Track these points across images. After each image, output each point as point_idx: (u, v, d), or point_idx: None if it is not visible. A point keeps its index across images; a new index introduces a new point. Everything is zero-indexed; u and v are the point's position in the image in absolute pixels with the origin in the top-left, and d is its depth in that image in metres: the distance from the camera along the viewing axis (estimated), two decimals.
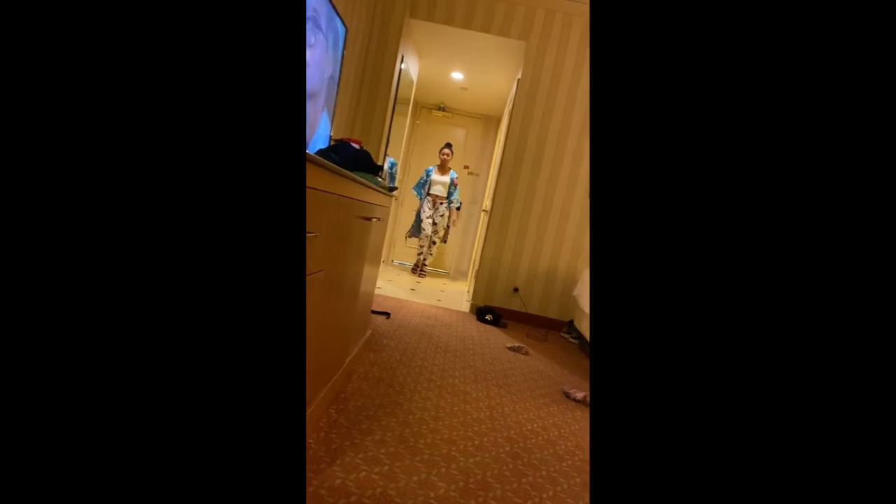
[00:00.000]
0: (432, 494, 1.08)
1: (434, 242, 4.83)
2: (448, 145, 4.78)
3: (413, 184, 5.20)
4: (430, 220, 4.75)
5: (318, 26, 1.75)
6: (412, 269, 4.93)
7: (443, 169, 4.77)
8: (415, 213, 4.90)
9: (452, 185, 4.77)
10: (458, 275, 5.56)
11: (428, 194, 4.78)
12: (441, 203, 4.76)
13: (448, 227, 4.88)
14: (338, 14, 1.95)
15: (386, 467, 1.15)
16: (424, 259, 4.83)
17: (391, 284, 3.97)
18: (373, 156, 2.55)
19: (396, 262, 5.56)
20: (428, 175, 4.80)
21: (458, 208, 4.82)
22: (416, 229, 4.81)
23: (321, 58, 1.86)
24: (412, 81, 4.14)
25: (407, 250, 5.51)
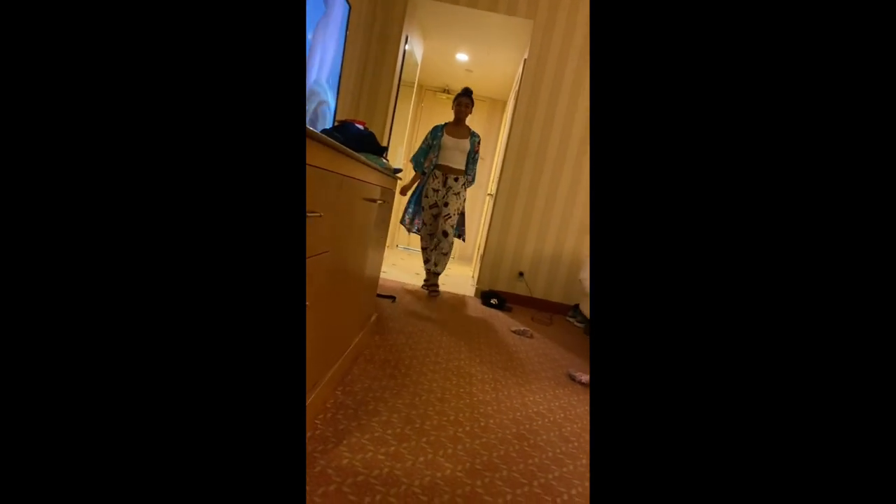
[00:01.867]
0: (439, 475, 1.08)
1: (445, 234, 3.09)
2: (466, 92, 3.07)
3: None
4: (439, 204, 3.08)
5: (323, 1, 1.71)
6: (423, 285, 3.27)
7: (459, 127, 3.07)
8: (410, 193, 3.21)
9: (474, 151, 3.09)
10: (463, 259, 5.55)
11: (436, 167, 3.07)
12: (456, 179, 3.07)
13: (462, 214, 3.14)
14: None
15: (392, 448, 1.15)
16: (436, 266, 3.17)
17: (396, 268, 3.97)
18: (378, 136, 2.53)
19: (401, 246, 5.55)
20: (435, 137, 3.07)
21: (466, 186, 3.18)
22: (415, 211, 3.15)
23: (326, 39, 1.82)
24: (416, 63, 4.08)
25: (414, 236, 5.46)
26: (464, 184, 3.11)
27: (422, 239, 3.21)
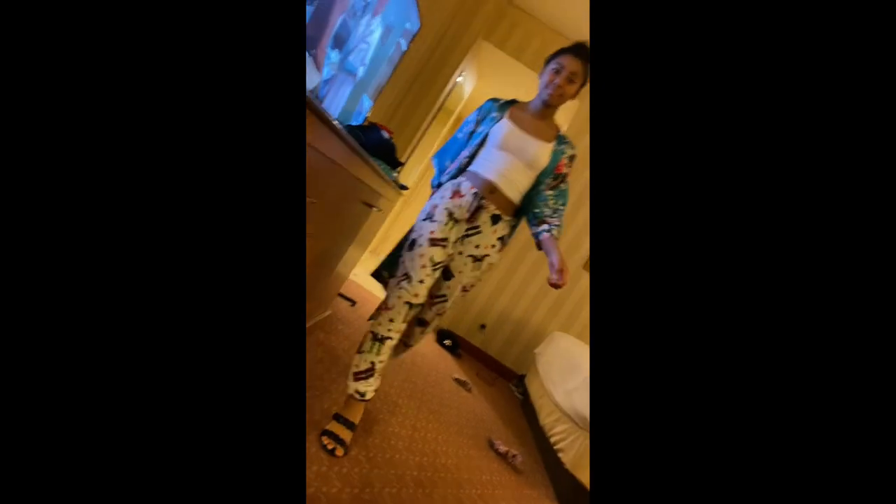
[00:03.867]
0: (325, 490, 1.06)
1: (423, 323, 1.46)
2: (578, 50, 1.27)
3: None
4: (437, 249, 1.28)
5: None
6: (356, 374, 1.31)
7: (541, 118, 1.36)
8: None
9: (554, 172, 1.35)
10: None
11: (469, 172, 1.35)
12: (496, 219, 1.32)
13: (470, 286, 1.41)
14: (417, 9, 1.98)
15: None
16: (369, 370, 1.29)
17: (368, 276, 3.95)
18: (399, 150, 2.57)
19: (382, 256, 5.53)
20: (489, 120, 1.39)
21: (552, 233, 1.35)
22: (394, 261, 1.42)
23: (382, 39, 1.88)
24: (462, 97, 4.20)
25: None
26: (505, 237, 1.38)
27: (385, 314, 1.31)
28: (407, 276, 1.29)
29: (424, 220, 1.34)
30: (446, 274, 1.38)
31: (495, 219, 1.34)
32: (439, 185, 1.44)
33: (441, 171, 1.49)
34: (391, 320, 1.30)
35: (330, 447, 1.19)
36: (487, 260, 1.38)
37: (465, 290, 1.42)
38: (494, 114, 1.40)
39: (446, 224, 1.32)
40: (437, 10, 2.75)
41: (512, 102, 1.43)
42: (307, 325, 1.72)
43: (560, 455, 1.90)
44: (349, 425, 1.27)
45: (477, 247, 1.35)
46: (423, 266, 1.28)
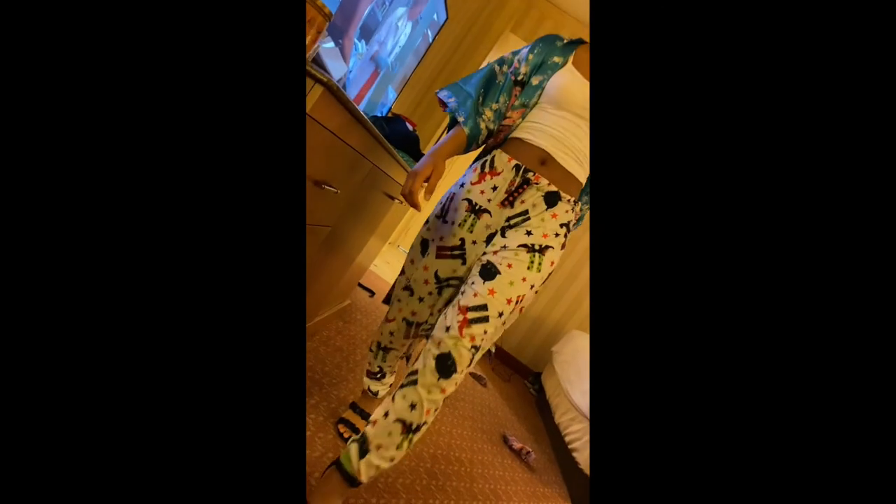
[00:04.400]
0: None
1: (446, 366, 0.83)
2: None
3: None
4: (444, 262, 0.99)
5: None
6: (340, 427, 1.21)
7: None
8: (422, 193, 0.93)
9: None
10: None
11: (506, 143, 0.99)
12: (554, 200, 0.94)
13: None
14: (445, 1, 1.97)
15: (309, 433, 1.14)
16: (380, 373, 1.29)
17: (388, 267, 3.97)
18: (422, 143, 2.56)
19: (402, 248, 5.57)
20: (544, 65, 0.99)
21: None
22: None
23: (411, 32, 1.87)
24: None
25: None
26: (570, 223, 0.99)
27: (386, 326, 1.18)
28: (409, 288, 1.07)
29: (437, 216, 1.03)
30: (487, 273, 0.90)
31: (552, 198, 0.95)
32: (475, 136, 1.00)
33: (473, 115, 0.99)
34: (391, 333, 1.18)
35: (346, 435, 1.20)
36: (550, 255, 0.93)
37: (516, 302, 0.89)
38: (555, 53, 1.00)
39: (462, 223, 0.98)
40: (464, 2, 2.73)
41: (578, 43, 1.03)
42: (326, 314, 1.74)
43: (574, 455, 1.89)
44: (364, 415, 1.28)
45: (529, 234, 0.93)
46: (426, 281, 1.03)
